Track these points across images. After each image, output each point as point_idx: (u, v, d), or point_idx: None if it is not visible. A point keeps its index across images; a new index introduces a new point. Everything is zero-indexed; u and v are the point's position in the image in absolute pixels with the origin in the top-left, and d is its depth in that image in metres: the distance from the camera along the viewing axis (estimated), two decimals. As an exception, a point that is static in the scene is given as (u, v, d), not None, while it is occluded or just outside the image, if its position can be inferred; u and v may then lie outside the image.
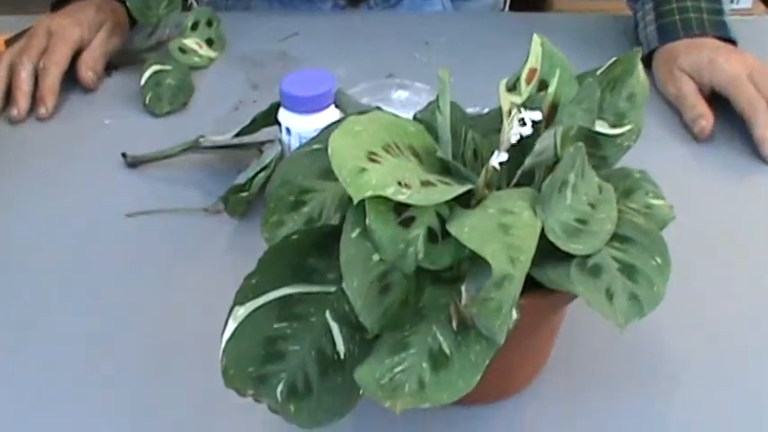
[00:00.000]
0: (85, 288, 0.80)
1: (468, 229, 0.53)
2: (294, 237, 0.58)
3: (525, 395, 0.70)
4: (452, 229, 0.54)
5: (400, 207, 0.54)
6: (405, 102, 1.01)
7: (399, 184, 0.54)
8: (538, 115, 0.58)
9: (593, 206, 0.61)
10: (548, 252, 0.58)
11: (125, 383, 0.71)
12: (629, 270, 0.58)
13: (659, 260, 0.59)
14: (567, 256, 0.58)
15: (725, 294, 0.79)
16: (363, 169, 0.53)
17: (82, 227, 0.88)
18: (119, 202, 0.90)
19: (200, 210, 0.88)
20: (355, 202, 0.53)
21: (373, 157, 0.55)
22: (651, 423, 0.68)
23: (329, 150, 0.54)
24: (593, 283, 0.56)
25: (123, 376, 0.72)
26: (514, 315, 0.54)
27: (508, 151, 0.60)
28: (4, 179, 0.95)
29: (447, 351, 0.54)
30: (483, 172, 0.58)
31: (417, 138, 0.61)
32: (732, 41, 1.05)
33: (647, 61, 1.07)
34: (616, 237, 0.60)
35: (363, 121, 0.57)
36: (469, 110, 1.02)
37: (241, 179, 0.86)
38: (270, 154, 0.87)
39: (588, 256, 0.58)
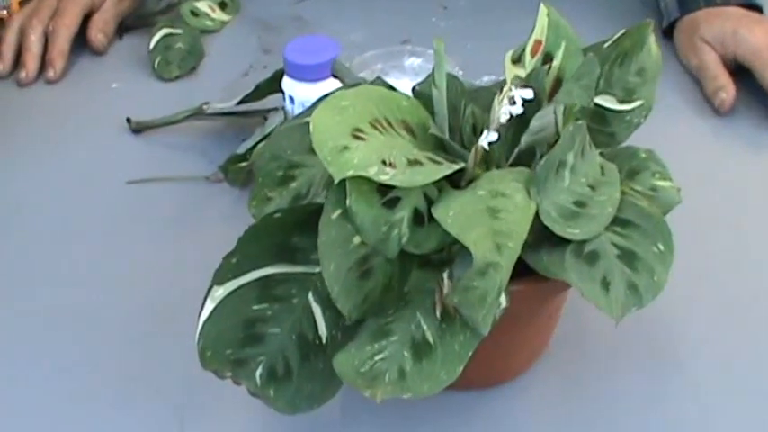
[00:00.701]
0: (83, 254, 0.79)
1: (453, 213, 0.51)
2: (277, 215, 0.56)
3: (523, 380, 0.67)
4: (437, 212, 0.51)
5: (385, 187, 0.52)
6: (417, 69, 0.98)
7: (384, 163, 0.51)
8: (529, 93, 0.55)
9: (593, 188, 0.58)
10: (545, 237, 0.55)
11: (120, 350, 0.70)
12: (628, 257, 0.56)
13: (662, 247, 0.56)
14: (565, 241, 0.55)
15: (740, 276, 0.76)
16: (346, 147, 0.51)
17: (82, 192, 0.87)
18: (121, 167, 0.89)
19: (202, 178, 0.86)
20: (336, 181, 0.50)
21: (358, 134, 0.52)
22: (653, 407, 0.65)
23: (311, 127, 0.51)
24: (587, 271, 0.54)
25: (118, 344, 0.71)
26: (504, 303, 0.52)
27: (507, 128, 0.57)
28: (8, 141, 0.93)
29: (430, 340, 0.52)
30: (473, 152, 0.55)
31: (411, 112, 0.58)
32: (757, 8, 1.00)
33: (669, 32, 1.03)
34: (617, 221, 0.57)
35: (350, 96, 0.54)
36: (485, 78, 0.99)
37: (241, 149, 0.83)
38: (273, 123, 0.84)
39: (585, 242, 0.55)
